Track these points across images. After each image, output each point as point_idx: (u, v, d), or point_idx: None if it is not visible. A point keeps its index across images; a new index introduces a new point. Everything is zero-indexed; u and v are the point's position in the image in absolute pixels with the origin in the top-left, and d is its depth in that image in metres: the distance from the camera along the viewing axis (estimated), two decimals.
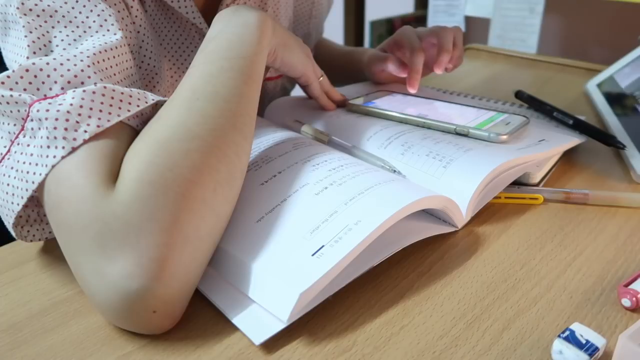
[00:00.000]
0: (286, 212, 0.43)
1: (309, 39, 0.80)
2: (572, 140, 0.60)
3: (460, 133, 0.57)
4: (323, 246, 0.39)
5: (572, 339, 0.35)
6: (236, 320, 0.38)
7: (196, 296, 0.41)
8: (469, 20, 1.62)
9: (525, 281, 0.43)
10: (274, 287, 0.37)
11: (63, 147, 0.38)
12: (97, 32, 0.44)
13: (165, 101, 0.43)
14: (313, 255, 0.38)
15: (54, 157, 0.38)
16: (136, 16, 0.52)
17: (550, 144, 0.57)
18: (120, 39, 0.45)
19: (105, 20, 0.45)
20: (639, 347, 0.33)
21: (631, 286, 0.40)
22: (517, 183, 0.55)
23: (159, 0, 0.55)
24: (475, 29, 1.64)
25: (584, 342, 0.34)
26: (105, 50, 0.43)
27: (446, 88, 0.86)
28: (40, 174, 0.38)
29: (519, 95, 0.78)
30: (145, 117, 0.43)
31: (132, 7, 0.52)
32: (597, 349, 0.34)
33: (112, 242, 0.35)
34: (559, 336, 0.35)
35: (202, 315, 0.39)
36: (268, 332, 0.37)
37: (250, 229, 0.42)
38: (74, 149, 0.38)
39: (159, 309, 0.36)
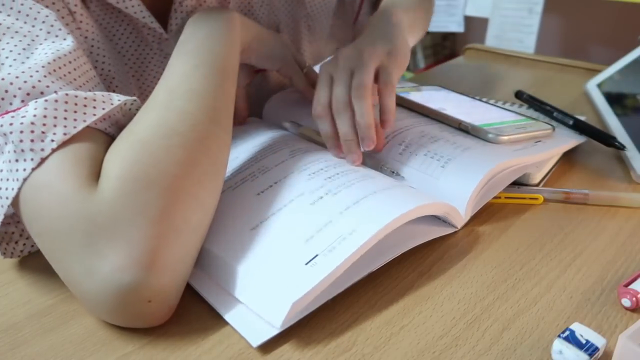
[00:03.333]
0: (281, 221, 0.43)
1: (312, 21, 0.74)
2: (571, 140, 0.60)
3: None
4: (317, 255, 0.39)
5: (572, 339, 0.35)
6: (234, 323, 0.38)
7: (196, 297, 0.41)
8: (467, 20, 1.62)
9: (525, 281, 0.43)
10: (267, 295, 0.38)
11: (32, 159, 0.37)
12: (45, 39, 0.43)
13: (133, 100, 0.43)
14: (307, 264, 0.38)
15: (24, 170, 0.37)
16: (81, 21, 0.50)
17: (549, 145, 0.57)
18: (72, 43, 0.44)
19: (52, 25, 0.44)
20: (639, 347, 0.33)
21: (631, 286, 0.40)
22: (517, 183, 0.55)
23: (104, 3, 0.52)
24: (474, 29, 1.64)
25: (584, 342, 0.34)
26: (60, 57, 0.42)
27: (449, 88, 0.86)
28: (13, 189, 0.37)
29: (519, 95, 0.78)
30: (114, 119, 0.42)
31: (75, 12, 0.50)
32: (597, 349, 0.34)
33: (100, 239, 0.35)
34: (559, 336, 0.35)
35: (202, 315, 0.39)
36: (266, 335, 0.37)
37: (245, 236, 0.43)
38: (43, 160, 0.37)
39: (153, 299, 0.36)
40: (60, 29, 0.44)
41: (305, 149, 0.54)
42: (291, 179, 0.48)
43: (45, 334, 0.38)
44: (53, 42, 0.43)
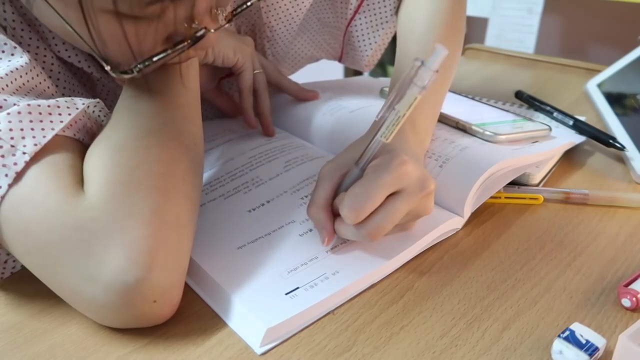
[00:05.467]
0: (268, 246, 0.44)
1: None
2: (569, 140, 0.60)
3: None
4: (298, 288, 0.40)
5: (572, 339, 0.35)
6: (237, 329, 0.38)
7: (196, 297, 0.41)
8: (467, 20, 1.62)
9: (525, 281, 0.43)
10: (247, 319, 0.38)
11: (6, 175, 0.36)
12: (0, 59, 0.41)
13: (96, 102, 0.43)
14: (287, 294, 0.39)
15: (0, 187, 0.36)
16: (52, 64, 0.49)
17: (547, 145, 0.57)
18: (23, 57, 0.42)
19: (5, 44, 0.42)
20: (639, 347, 0.33)
21: (631, 286, 0.40)
22: (517, 183, 0.55)
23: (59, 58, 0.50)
24: (474, 29, 1.64)
25: (584, 342, 0.34)
26: (12, 71, 0.40)
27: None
28: None
29: (519, 95, 0.78)
30: (80, 123, 0.42)
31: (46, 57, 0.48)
32: (597, 349, 0.34)
33: (97, 245, 0.35)
34: (559, 336, 0.35)
35: (202, 315, 0.39)
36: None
37: (231, 254, 0.43)
38: (18, 174, 0.36)
39: (158, 298, 0.36)
40: (15, 47, 0.42)
41: (301, 159, 0.55)
42: (283, 201, 0.49)
43: (45, 334, 0.38)
44: (10, 60, 0.41)
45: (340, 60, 0.76)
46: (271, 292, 0.39)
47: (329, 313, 0.39)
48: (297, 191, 0.51)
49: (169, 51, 0.37)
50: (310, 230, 0.45)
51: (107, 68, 0.38)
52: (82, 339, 0.37)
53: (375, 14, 0.68)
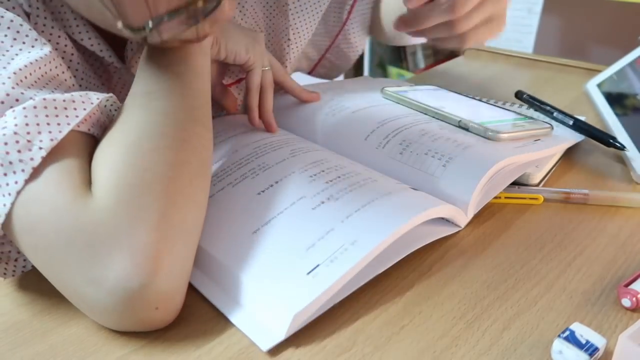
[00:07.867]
0: (282, 225, 0.43)
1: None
2: (571, 138, 0.60)
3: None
4: (318, 265, 0.39)
5: (572, 339, 0.35)
6: (242, 327, 0.38)
7: (196, 297, 0.41)
8: None
9: (525, 281, 0.43)
10: (270, 306, 0.37)
11: (22, 170, 0.36)
12: (12, 46, 0.41)
13: (108, 97, 0.43)
14: (308, 274, 0.38)
15: (16, 182, 0.36)
16: (72, 54, 0.49)
17: (549, 143, 0.57)
18: (44, 50, 0.42)
19: (18, 32, 0.41)
20: (639, 347, 0.33)
21: (631, 286, 0.40)
22: (517, 183, 0.55)
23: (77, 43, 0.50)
24: None
25: (584, 342, 0.34)
26: (31, 63, 0.40)
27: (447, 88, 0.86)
28: (5, 205, 0.36)
29: (519, 95, 0.78)
30: (94, 118, 0.41)
31: (66, 46, 0.49)
32: (597, 349, 0.34)
33: (103, 248, 0.34)
34: (559, 336, 0.35)
35: (202, 316, 0.39)
36: (275, 338, 0.37)
37: (247, 240, 0.43)
38: (35, 170, 0.36)
39: (160, 305, 0.36)
40: (36, 39, 0.42)
41: (306, 149, 0.54)
42: (292, 180, 0.48)
43: (45, 334, 0.38)
44: (21, 49, 0.41)
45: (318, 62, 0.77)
46: (292, 275, 0.38)
47: (355, 291, 0.39)
48: (306, 170, 0.49)
49: (183, 11, 0.36)
50: (323, 202, 0.45)
51: (119, 25, 0.36)
52: (82, 339, 0.37)
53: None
